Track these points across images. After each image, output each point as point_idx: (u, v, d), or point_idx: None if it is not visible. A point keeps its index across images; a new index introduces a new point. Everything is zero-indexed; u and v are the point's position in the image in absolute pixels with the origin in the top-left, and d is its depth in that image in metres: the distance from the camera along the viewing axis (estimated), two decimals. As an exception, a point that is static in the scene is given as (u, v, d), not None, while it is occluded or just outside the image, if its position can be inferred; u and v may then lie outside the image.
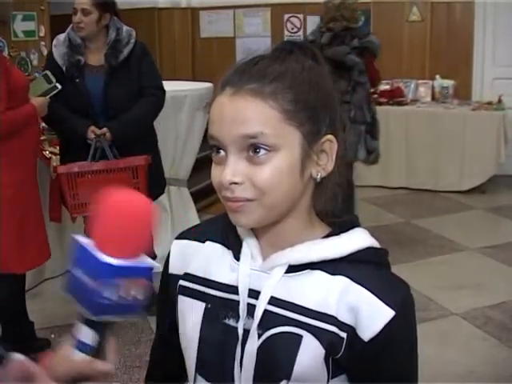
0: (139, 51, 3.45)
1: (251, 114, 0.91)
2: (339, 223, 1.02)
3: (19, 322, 3.22)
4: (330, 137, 0.96)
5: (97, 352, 0.85)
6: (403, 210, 5.87)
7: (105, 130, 3.34)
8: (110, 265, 0.80)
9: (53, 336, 3.52)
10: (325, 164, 0.96)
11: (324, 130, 0.95)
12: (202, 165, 5.74)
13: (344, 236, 0.99)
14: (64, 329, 3.62)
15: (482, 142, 6.14)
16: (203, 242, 1.08)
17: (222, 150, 0.94)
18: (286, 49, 0.97)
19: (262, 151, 0.91)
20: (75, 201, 3.36)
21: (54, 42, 3.46)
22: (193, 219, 4.71)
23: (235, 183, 0.92)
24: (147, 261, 0.84)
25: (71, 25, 3.44)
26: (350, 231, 1.00)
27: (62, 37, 3.45)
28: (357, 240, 0.99)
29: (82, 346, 0.85)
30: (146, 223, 0.86)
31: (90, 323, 0.84)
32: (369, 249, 0.99)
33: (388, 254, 1.03)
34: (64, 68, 3.37)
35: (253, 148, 0.91)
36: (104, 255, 0.80)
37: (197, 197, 5.20)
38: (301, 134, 0.93)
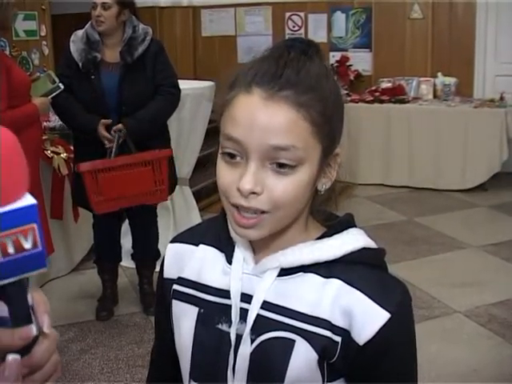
0: (155, 49, 3.46)
1: (285, 124, 0.86)
2: (334, 224, 0.99)
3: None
4: (338, 151, 0.95)
5: (17, 320, 0.68)
6: (406, 208, 5.86)
7: (120, 126, 3.36)
8: None
9: (55, 335, 3.52)
10: (330, 175, 0.95)
11: (337, 143, 0.94)
12: (204, 164, 5.73)
13: (337, 237, 0.97)
14: (67, 328, 3.62)
15: (485, 140, 6.13)
16: (197, 246, 1.07)
17: (238, 155, 0.89)
18: (308, 51, 0.92)
19: (288, 165, 0.88)
20: (99, 197, 3.36)
21: (72, 37, 3.47)
22: (195, 218, 4.71)
23: (254, 193, 0.88)
24: (25, 200, 0.66)
25: (90, 21, 3.47)
26: (344, 232, 0.98)
27: (79, 33, 3.47)
28: (350, 241, 0.97)
29: None
30: (15, 160, 0.70)
31: None
32: (363, 249, 0.97)
33: (385, 253, 1.01)
34: (80, 64, 3.39)
35: (280, 160, 0.87)
36: None
37: (199, 196, 5.20)
38: (321, 147, 0.91)
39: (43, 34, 5.91)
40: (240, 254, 0.99)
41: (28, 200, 0.65)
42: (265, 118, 0.86)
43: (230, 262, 1.00)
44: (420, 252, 4.67)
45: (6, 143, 0.69)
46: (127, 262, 4.09)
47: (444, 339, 3.43)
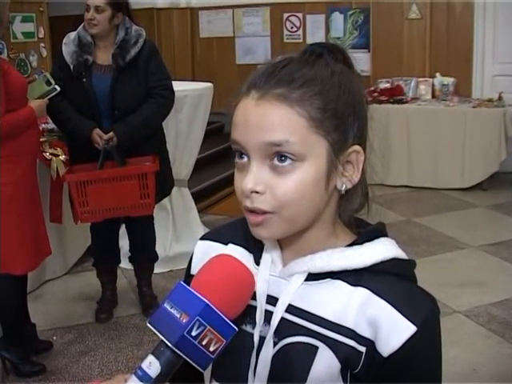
0: (147, 51, 3.42)
1: (277, 120, 0.87)
2: (365, 232, 0.98)
3: (21, 323, 3.21)
4: (357, 148, 0.93)
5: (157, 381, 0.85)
6: (404, 208, 5.87)
7: (111, 134, 3.34)
8: (209, 306, 0.83)
9: (55, 338, 3.52)
10: (350, 175, 0.93)
11: (351, 139, 0.92)
12: (203, 165, 5.74)
13: (367, 245, 0.96)
14: (66, 330, 3.62)
15: (483, 140, 6.13)
16: (226, 245, 1.06)
17: (245, 156, 0.90)
18: (316, 52, 0.93)
19: (287, 160, 0.87)
20: (85, 208, 3.37)
21: (65, 40, 3.44)
22: (194, 220, 4.71)
23: (256, 192, 0.88)
24: (232, 324, 0.86)
25: (82, 24, 3.44)
26: (375, 241, 0.97)
27: (72, 35, 3.44)
28: (381, 250, 0.95)
29: (140, 373, 0.85)
30: (246, 295, 0.91)
31: (158, 354, 0.85)
32: (393, 260, 0.96)
33: (415, 265, 0.99)
34: (72, 66, 3.36)
35: (277, 156, 0.87)
36: (204, 297, 0.85)
37: (198, 197, 5.19)
38: (328, 142, 0.89)
39: (41, 35, 5.90)
40: (268, 255, 0.99)
41: (235, 327, 0.86)
42: (256, 117, 0.88)
43: (257, 263, 0.99)
44: (419, 252, 4.67)
45: (251, 282, 0.92)
46: (126, 264, 4.08)
47: (444, 339, 3.39)
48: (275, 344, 0.94)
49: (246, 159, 0.90)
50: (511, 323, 3.59)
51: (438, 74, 6.87)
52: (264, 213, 0.89)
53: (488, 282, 4.16)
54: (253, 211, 0.90)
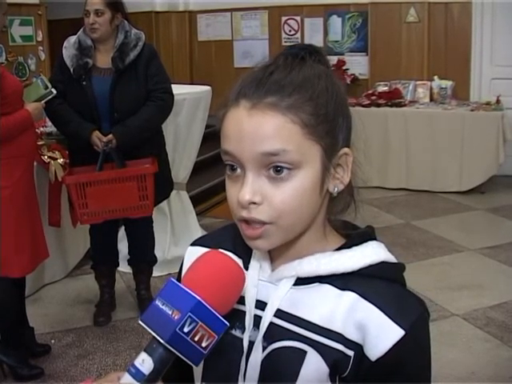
0: (147, 54, 3.44)
1: (272, 130, 0.86)
2: (353, 235, 0.98)
3: (19, 327, 3.21)
4: (346, 150, 0.93)
5: (150, 379, 0.85)
6: (403, 211, 5.87)
7: (110, 136, 3.35)
8: (200, 302, 0.83)
9: (53, 341, 3.51)
10: (342, 177, 0.93)
11: (341, 142, 0.92)
12: (201, 168, 5.73)
13: (356, 249, 0.95)
14: (64, 334, 3.62)
15: (481, 143, 6.14)
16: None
17: (238, 167, 0.90)
18: (299, 55, 0.93)
19: (284, 169, 0.87)
20: (84, 209, 3.38)
21: (65, 43, 3.46)
22: (192, 223, 4.71)
23: (253, 203, 0.88)
24: (223, 319, 0.87)
25: (82, 27, 3.46)
26: (364, 244, 0.96)
27: (72, 39, 3.47)
28: (369, 254, 0.95)
29: (133, 370, 0.85)
30: (237, 290, 0.90)
31: (151, 351, 0.85)
32: (382, 263, 0.95)
33: (404, 269, 0.99)
34: (72, 69, 3.38)
35: (274, 166, 0.87)
36: (195, 293, 0.85)
37: (196, 200, 5.19)
38: (321, 147, 0.89)
39: (40, 39, 5.90)
40: (257, 260, 0.99)
41: (226, 322, 0.86)
42: (250, 128, 0.87)
43: (246, 268, 0.99)
44: (417, 255, 4.67)
45: (241, 277, 0.91)
46: (124, 267, 4.08)
47: (442, 342, 3.42)
48: (264, 348, 0.95)
49: (239, 171, 0.90)
50: (509, 326, 3.60)
51: (436, 77, 6.88)
52: (262, 224, 0.89)
53: (486, 285, 4.16)
54: (249, 223, 0.90)
